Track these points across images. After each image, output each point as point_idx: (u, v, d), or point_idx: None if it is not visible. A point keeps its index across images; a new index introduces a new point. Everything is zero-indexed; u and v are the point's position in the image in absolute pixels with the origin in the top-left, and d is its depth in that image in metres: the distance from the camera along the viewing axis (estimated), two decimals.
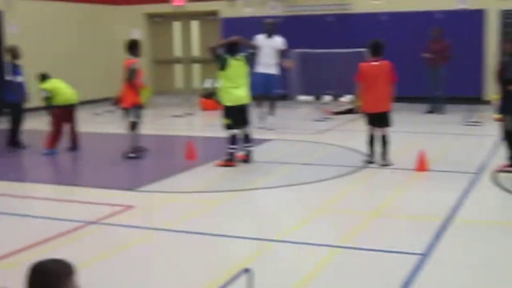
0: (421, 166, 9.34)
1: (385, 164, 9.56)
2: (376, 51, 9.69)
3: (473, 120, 13.99)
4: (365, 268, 5.63)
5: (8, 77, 11.64)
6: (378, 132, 9.60)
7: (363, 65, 9.72)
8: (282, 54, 14.33)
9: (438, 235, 6.37)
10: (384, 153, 9.61)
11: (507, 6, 16.49)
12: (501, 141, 9.53)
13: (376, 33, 17.24)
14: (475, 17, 16.84)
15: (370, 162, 9.64)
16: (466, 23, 16.81)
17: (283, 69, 14.65)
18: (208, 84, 17.75)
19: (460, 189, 8.19)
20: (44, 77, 11.66)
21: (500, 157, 9.69)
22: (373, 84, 9.49)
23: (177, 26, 20.92)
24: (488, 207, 7.74)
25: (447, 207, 7.34)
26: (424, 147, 9.97)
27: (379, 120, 9.62)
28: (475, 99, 16.72)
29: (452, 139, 12.12)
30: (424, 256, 5.77)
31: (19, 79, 11.78)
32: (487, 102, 16.18)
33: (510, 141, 9.11)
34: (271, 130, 13.43)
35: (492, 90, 16.22)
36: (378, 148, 9.60)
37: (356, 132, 12.14)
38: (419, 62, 15.55)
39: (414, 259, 5.69)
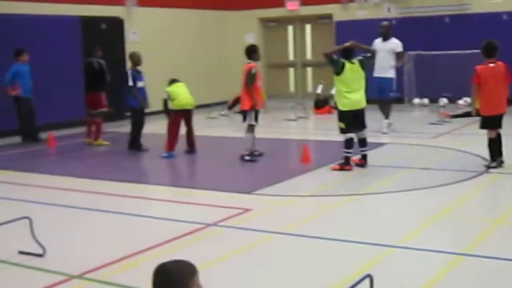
0: None
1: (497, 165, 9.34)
2: (489, 52, 9.40)
3: None
4: (489, 279, 5.43)
5: (129, 83, 12.04)
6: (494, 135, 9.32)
7: (479, 67, 9.42)
8: (398, 56, 14.09)
9: None
10: (500, 154, 9.37)
11: None
12: None
13: (496, 33, 16.75)
14: None
15: (491, 167, 9.32)
16: None
17: (399, 72, 14.45)
18: (319, 90, 17.73)
19: None
20: (172, 82, 11.98)
21: None
22: (490, 86, 9.22)
23: (290, 30, 21.00)
24: None
25: None
26: None
27: (496, 122, 9.35)
28: None
29: None
30: None
31: (140, 84, 12.16)
32: None
33: None
34: (386, 134, 13.30)
35: None
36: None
37: (474, 135, 11.77)
38: None
39: None
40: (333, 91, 10.18)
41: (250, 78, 10.74)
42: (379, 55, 12.99)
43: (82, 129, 14.87)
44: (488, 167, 9.36)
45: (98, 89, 13.29)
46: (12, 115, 14.12)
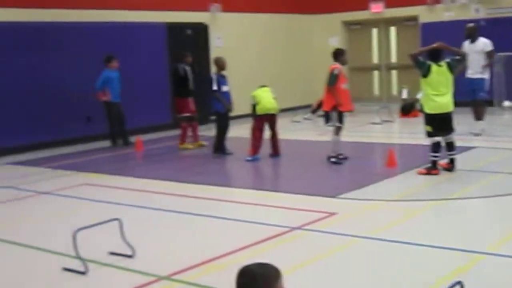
0: None
1: None
2: None
3: None
4: None
5: (214, 88, 12.19)
6: None
7: None
8: (489, 55, 13.85)
9: None
10: None
11: None
12: None
13: None
14: None
15: None
16: None
17: (492, 72, 14.19)
18: (405, 94, 17.48)
19: None
20: (261, 87, 12.09)
21: None
22: None
23: (375, 32, 20.81)
24: None
25: None
26: None
27: None
28: None
29: None
30: None
31: (224, 89, 12.30)
32: None
33: None
34: (479, 136, 13.06)
35: None
36: None
37: None
38: None
39: None
40: (419, 95, 10.00)
41: (332, 78, 10.73)
42: (469, 57, 12.89)
43: (169, 133, 15.22)
44: None
45: (184, 94, 13.53)
46: (103, 120, 14.58)
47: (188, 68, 13.60)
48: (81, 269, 6.02)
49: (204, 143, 13.57)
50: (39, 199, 9.53)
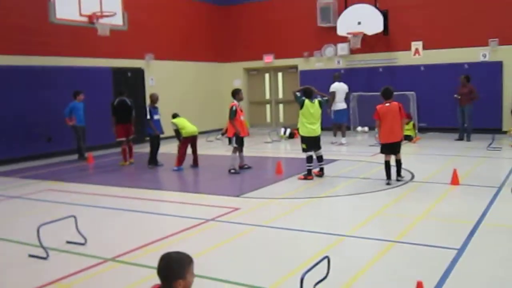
0: (455, 180, 9.00)
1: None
2: (386, 95, 9.18)
3: (494, 146, 13.40)
4: (414, 258, 5.46)
5: (147, 117, 11.97)
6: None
7: (378, 106, 9.20)
8: (347, 95, 15.56)
9: (470, 235, 6.12)
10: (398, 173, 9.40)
11: None
12: None
13: (415, 80, 17.05)
14: (495, 68, 16.15)
15: (387, 184, 9.09)
16: (488, 71, 16.15)
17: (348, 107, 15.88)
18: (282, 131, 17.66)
19: (486, 199, 7.84)
20: (174, 116, 11.99)
21: None
22: (387, 121, 9.06)
23: (267, 76, 21.08)
24: (510, 213, 7.31)
25: (477, 213, 7.05)
26: (456, 166, 9.62)
27: (389, 148, 9.21)
28: (495, 130, 16.00)
29: (478, 160, 11.59)
30: (460, 250, 5.56)
31: (156, 117, 12.09)
32: (504, 133, 15.54)
33: None
34: (343, 145, 14.76)
35: (508, 123, 15.58)
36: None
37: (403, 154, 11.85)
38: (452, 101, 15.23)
39: (452, 252, 5.48)
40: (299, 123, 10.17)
41: (232, 114, 10.75)
42: (338, 93, 15.04)
43: (113, 150, 14.80)
44: (398, 179, 9.31)
45: (123, 121, 12.78)
46: (62, 139, 14.18)
47: (128, 100, 13.08)
48: (44, 255, 5.79)
49: (132, 160, 13.00)
50: (10, 202, 9.05)
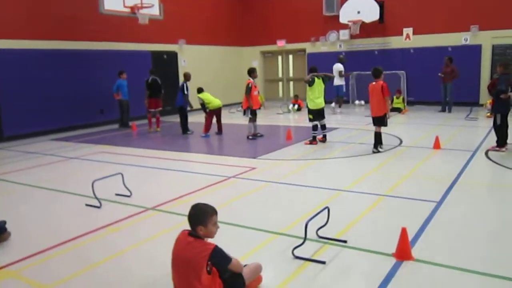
0: (437, 145, 8.94)
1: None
2: (374, 74, 8.66)
3: (471, 117, 13.20)
4: (400, 209, 5.48)
5: (186, 92, 11.94)
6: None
7: (370, 84, 8.82)
8: (341, 74, 15.40)
9: (448, 190, 6.11)
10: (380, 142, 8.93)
11: (497, 42, 15.40)
12: (491, 130, 8.94)
13: (406, 62, 16.69)
14: (475, 50, 15.76)
15: (375, 151, 8.82)
16: (468, 53, 15.78)
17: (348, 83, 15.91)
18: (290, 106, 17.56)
19: (463, 161, 7.79)
20: (199, 90, 11.90)
21: (490, 141, 9.14)
22: (373, 97, 8.67)
23: (280, 58, 20.85)
24: (482, 173, 7.28)
25: (454, 172, 7.03)
26: (438, 133, 9.53)
27: (375, 121, 8.81)
28: (473, 103, 15.74)
29: (457, 129, 11.45)
30: (439, 203, 5.56)
31: (185, 91, 12.05)
32: (481, 105, 15.28)
33: (497, 131, 8.59)
34: (338, 113, 14.93)
35: (484, 97, 15.28)
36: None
37: (395, 124, 11.72)
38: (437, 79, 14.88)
39: (432, 204, 5.50)
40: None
41: (248, 90, 10.70)
42: (336, 72, 15.02)
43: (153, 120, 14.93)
44: (374, 151, 8.84)
45: (153, 96, 12.88)
46: (112, 111, 14.27)
47: (158, 79, 13.09)
48: (97, 205, 5.92)
49: (159, 129, 13.05)
50: (69, 162, 9.23)
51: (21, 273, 4.08)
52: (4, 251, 4.60)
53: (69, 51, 13.60)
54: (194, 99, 12.46)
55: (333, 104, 15.43)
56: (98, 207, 5.86)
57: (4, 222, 4.98)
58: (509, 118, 8.53)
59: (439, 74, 14.64)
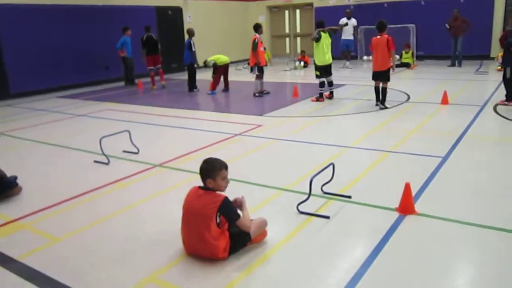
0: (444, 100, 8.85)
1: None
2: (379, 27, 8.45)
3: (481, 70, 12.98)
4: (405, 165, 5.50)
5: (194, 49, 11.82)
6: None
7: (373, 38, 8.57)
8: (355, 29, 15.35)
9: (454, 145, 6.11)
10: (378, 98, 8.73)
11: None
12: (501, 84, 8.82)
13: (415, 15, 16.26)
14: (487, 1, 15.30)
15: (377, 105, 8.79)
16: (481, 5, 15.33)
17: (355, 38, 15.70)
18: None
19: (471, 116, 7.74)
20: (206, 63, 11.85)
21: (499, 95, 9.03)
22: (376, 51, 8.45)
23: (287, 13, 20.41)
24: (490, 127, 7.24)
25: (462, 127, 7.00)
26: (447, 88, 9.42)
27: (377, 76, 8.63)
28: (484, 56, 15.43)
29: (467, 83, 11.30)
30: (444, 158, 5.58)
31: (193, 48, 11.96)
32: (492, 59, 14.99)
33: (507, 85, 8.47)
34: (349, 68, 15.14)
35: (496, 50, 14.96)
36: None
37: (402, 79, 11.56)
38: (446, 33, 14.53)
39: (437, 160, 5.51)
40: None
41: (254, 46, 10.55)
42: (346, 27, 14.77)
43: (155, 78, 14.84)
44: (381, 107, 8.65)
45: (152, 53, 12.69)
46: (117, 68, 14.18)
47: (154, 35, 12.78)
48: (105, 161, 6.01)
49: (164, 83, 13.02)
50: (77, 119, 9.29)
51: (34, 225, 4.21)
52: (16, 205, 4.73)
53: (74, 6, 13.40)
54: (202, 57, 12.35)
55: (344, 61, 15.44)
56: (106, 164, 5.95)
57: (15, 177, 5.09)
58: None
59: (446, 25, 14.26)
